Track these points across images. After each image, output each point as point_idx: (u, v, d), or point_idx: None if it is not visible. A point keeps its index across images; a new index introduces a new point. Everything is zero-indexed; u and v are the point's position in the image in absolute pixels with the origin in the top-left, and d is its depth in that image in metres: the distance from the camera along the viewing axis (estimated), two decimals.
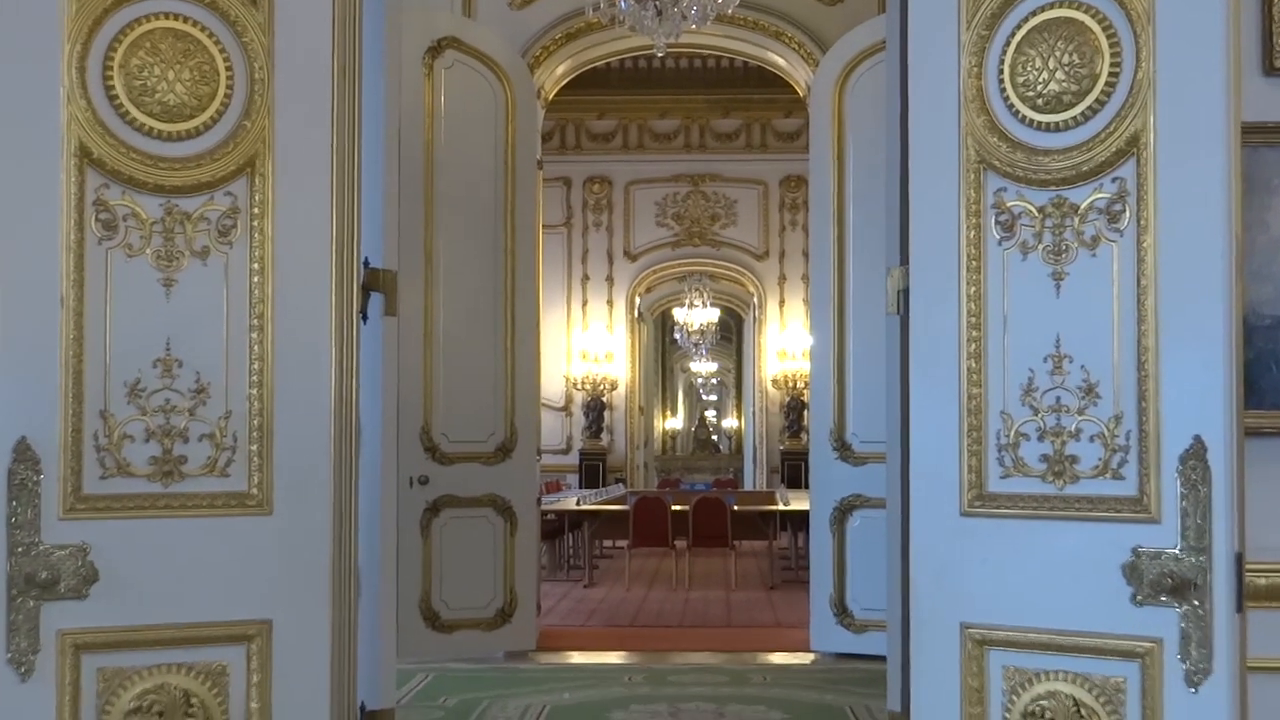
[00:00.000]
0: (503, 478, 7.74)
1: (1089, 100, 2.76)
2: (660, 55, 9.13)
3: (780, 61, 10.33)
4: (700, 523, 12.12)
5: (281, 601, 2.93)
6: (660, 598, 11.57)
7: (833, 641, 8.05)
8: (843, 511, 7.95)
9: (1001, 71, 2.86)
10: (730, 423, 26.31)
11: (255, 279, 2.92)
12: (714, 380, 26.72)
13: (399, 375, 5.01)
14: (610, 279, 18.48)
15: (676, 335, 21.27)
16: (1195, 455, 2.61)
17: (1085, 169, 2.77)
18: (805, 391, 16.65)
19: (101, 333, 2.80)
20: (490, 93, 7.80)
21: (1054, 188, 2.81)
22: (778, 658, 8.32)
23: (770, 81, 12.53)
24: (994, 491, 2.84)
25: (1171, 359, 2.65)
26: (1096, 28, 2.76)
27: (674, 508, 12.31)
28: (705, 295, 20.06)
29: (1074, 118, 2.78)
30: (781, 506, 12.94)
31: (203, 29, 2.89)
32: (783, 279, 18.27)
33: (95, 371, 2.79)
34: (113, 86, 2.82)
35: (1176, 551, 2.62)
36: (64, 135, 2.77)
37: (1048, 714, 2.77)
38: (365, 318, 3.30)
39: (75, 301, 2.77)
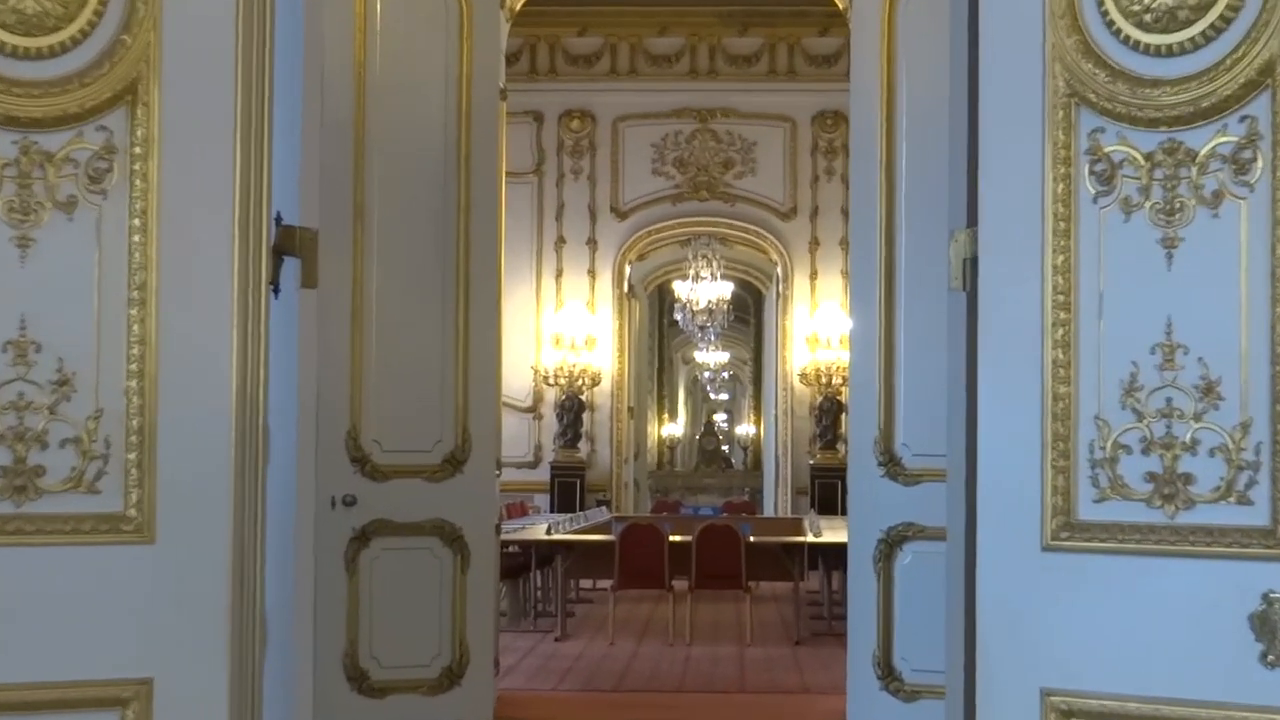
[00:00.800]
0: (452, 498, 7.73)
1: (1212, 16, 2.77)
2: None
3: None
4: (706, 558, 12.13)
5: (164, 656, 2.93)
6: (653, 654, 11.59)
7: (876, 712, 8.06)
8: (890, 544, 7.95)
9: None
10: (746, 429, 26.39)
11: (136, 238, 2.93)
12: (725, 374, 26.81)
13: (319, 365, 5.01)
14: (592, 242, 18.47)
15: (677, 316, 21.27)
16: None
17: (1205, 105, 2.78)
18: (843, 390, 16.69)
19: None
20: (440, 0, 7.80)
21: (1165, 128, 2.81)
22: None
23: None
24: (1086, 519, 2.85)
25: None
26: None
27: (672, 538, 12.32)
28: (715, 264, 20.06)
29: (1192, 39, 2.79)
30: (811, 538, 12.96)
31: None
32: (815, 244, 18.28)
33: None
34: None
35: None
36: None
37: None
38: (277, 290, 3.29)
39: None
